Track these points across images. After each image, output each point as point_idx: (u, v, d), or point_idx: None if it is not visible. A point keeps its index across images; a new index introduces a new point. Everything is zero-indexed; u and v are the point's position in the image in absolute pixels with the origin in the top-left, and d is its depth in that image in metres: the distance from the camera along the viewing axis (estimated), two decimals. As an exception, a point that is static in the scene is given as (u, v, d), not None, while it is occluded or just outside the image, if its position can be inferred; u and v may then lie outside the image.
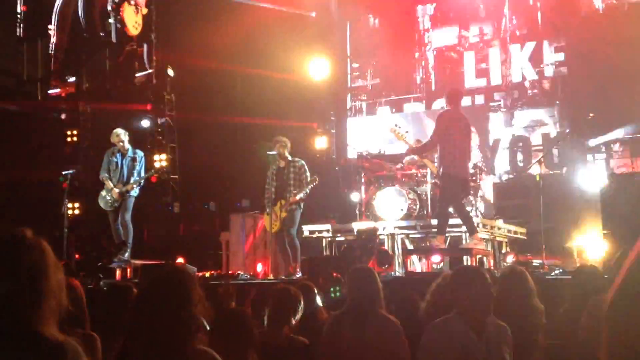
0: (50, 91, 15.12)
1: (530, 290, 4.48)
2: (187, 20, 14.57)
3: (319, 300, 5.26)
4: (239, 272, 9.80)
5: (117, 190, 9.93)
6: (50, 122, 15.05)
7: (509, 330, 3.69)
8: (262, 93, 14.61)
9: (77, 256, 9.33)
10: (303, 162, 9.36)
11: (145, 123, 13.84)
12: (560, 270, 8.05)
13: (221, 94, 14.99)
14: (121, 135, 10.14)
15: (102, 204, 10.04)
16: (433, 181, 10.07)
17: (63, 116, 14.83)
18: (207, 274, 9.34)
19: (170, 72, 14.02)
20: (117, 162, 10.12)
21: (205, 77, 14.63)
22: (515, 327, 3.83)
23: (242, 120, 14.47)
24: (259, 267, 10.98)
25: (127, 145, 10.19)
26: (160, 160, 14.33)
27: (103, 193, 10.05)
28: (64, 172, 10.96)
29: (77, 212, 12.25)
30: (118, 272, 9.76)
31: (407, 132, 10.44)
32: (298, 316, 4.49)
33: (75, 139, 14.05)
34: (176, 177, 13.96)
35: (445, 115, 8.69)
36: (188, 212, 14.24)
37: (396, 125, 10.43)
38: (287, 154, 9.27)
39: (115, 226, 9.98)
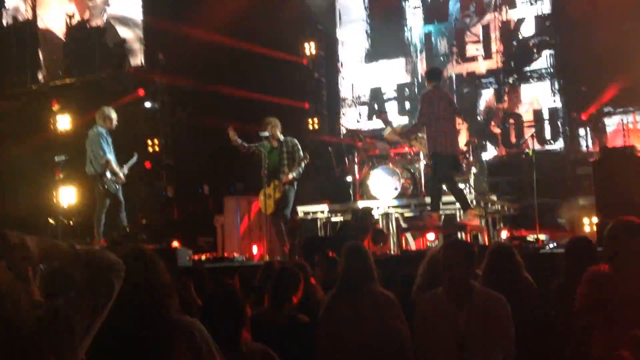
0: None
1: (519, 264, 4.53)
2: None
3: (312, 280, 5.29)
4: (234, 254, 9.82)
5: (121, 175, 9.44)
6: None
7: (500, 302, 3.68)
8: (255, 69, 14.54)
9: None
10: (296, 141, 9.34)
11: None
12: (555, 245, 8.11)
13: (213, 68, 14.85)
14: (112, 114, 9.63)
15: (111, 188, 9.42)
16: (425, 163, 10.10)
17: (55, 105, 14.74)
18: (203, 257, 9.36)
19: (161, 56, 13.94)
20: (110, 144, 9.53)
21: (196, 48, 14.41)
22: (510, 302, 3.88)
23: (232, 92, 14.27)
24: (255, 250, 11.00)
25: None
26: (153, 145, 14.32)
27: (109, 176, 9.31)
28: (56, 159, 10.86)
29: (70, 199, 12.21)
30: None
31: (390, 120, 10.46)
32: (299, 294, 4.52)
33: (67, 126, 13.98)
34: (170, 161, 13.94)
35: (428, 95, 8.69)
36: (182, 196, 14.24)
37: (380, 111, 10.48)
38: (279, 134, 9.24)
39: (120, 210, 9.58)
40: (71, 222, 12.05)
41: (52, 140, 13.97)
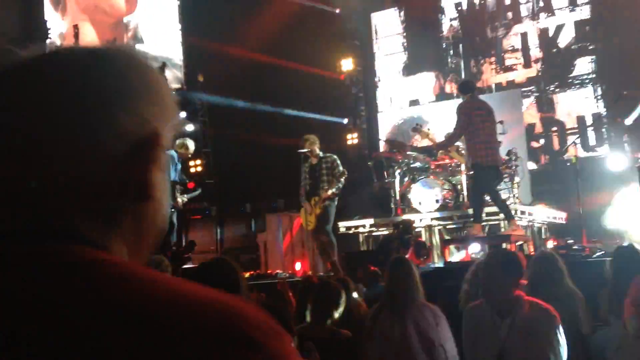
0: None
1: (562, 272, 4.45)
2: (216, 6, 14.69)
3: (355, 294, 5.28)
4: (277, 271, 9.86)
5: (180, 200, 9.65)
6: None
7: (546, 313, 3.57)
8: (292, 86, 14.69)
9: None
10: (335, 156, 9.37)
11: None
12: (602, 252, 7.93)
13: (252, 86, 15.06)
14: (191, 144, 9.94)
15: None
16: (467, 173, 10.01)
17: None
18: (247, 275, 9.42)
19: (201, 78, 14.19)
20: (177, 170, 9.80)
21: (235, 66, 14.63)
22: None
23: (271, 110, 14.44)
24: (298, 266, 11.03)
25: None
26: (196, 165, 14.54)
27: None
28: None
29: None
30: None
31: (429, 129, 10.42)
32: (341, 309, 4.51)
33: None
34: (212, 181, 14.12)
35: (465, 106, 8.64)
36: (225, 215, 14.39)
37: (417, 125, 10.43)
38: (317, 151, 9.29)
39: (171, 232, 9.77)
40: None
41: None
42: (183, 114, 14.73)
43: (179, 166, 9.72)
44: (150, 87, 0.84)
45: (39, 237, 0.75)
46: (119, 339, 0.67)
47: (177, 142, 9.81)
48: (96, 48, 0.85)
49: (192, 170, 14.46)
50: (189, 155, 9.81)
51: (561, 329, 3.51)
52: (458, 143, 9.61)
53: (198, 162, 14.54)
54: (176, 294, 0.72)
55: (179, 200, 9.69)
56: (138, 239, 0.82)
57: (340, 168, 9.23)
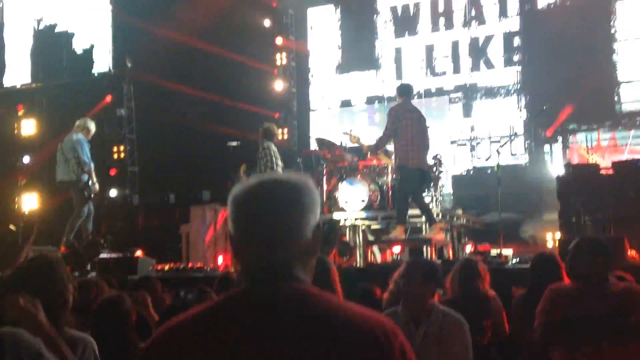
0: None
1: (482, 279, 4.54)
2: None
3: None
4: (198, 264, 9.71)
5: (97, 185, 9.44)
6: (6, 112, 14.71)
7: (457, 323, 3.61)
8: (224, 75, 14.49)
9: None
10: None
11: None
12: (517, 260, 8.17)
13: (182, 72, 14.76)
14: (92, 125, 9.62)
15: (90, 195, 9.31)
16: (393, 176, 10.11)
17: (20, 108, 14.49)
18: (167, 267, 9.23)
19: (128, 62, 13.80)
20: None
21: (165, 50, 14.29)
22: (472, 314, 3.88)
23: (202, 98, 14.20)
24: (220, 260, 10.89)
25: None
26: (119, 152, 14.14)
27: (90, 183, 9.25)
28: (18, 164, 10.67)
29: (32, 204, 11.99)
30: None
31: (358, 135, 10.48)
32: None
33: (32, 130, 13.75)
34: (135, 168, 13.77)
35: (395, 108, 8.71)
36: (147, 205, 14.07)
37: (350, 130, 10.46)
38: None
39: (89, 219, 9.48)
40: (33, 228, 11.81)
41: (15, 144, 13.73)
42: (109, 99, 14.31)
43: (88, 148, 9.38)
44: (316, 200, 1.59)
45: (281, 277, 1.51)
46: (337, 341, 1.43)
47: (77, 123, 9.53)
48: (298, 179, 1.59)
49: (115, 156, 14.06)
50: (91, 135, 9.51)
51: (469, 338, 3.60)
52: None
53: (121, 148, 14.15)
54: (348, 310, 1.50)
55: (97, 185, 9.39)
56: (311, 274, 1.60)
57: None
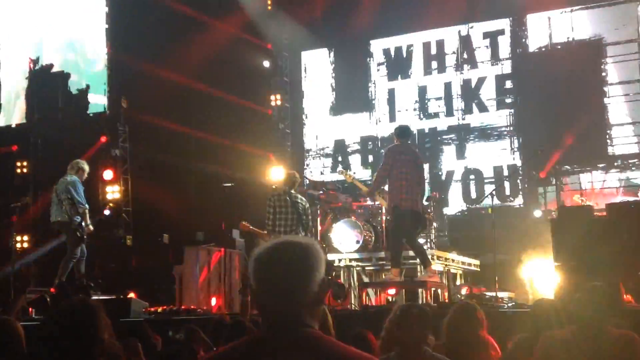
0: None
1: (479, 324, 4.50)
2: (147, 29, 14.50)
3: None
4: (191, 307, 9.62)
5: (91, 227, 9.46)
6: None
7: None
8: (219, 116, 14.58)
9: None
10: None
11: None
12: (513, 303, 8.13)
13: (177, 112, 14.84)
14: (85, 166, 9.70)
15: (83, 236, 9.31)
16: (387, 217, 10.10)
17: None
18: (159, 309, 9.14)
19: (124, 103, 13.89)
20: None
21: (161, 91, 14.38)
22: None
23: (197, 138, 14.26)
24: (213, 301, 10.80)
25: None
26: (113, 192, 14.13)
27: (83, 224, 9.27)
28: (12, 205, 10.63)
29: (25, 245, 11.92)
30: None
31: (354, 172, 10.50)
32: None
33: (25, 170, 13.74)
34: (129, 209, 13.73)
35: (391, 149, 8.75)
36: (141, 245, 13.98)
37: (348, 170, 10.51)
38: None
39: (82, 260, 9.42)
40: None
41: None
42: (104, 139, 14.34)
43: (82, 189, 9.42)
44: (321, 259, 1.91)
45: (293, 323, 1.84)
46: None
47: (71, 165, 9.59)
48: (306, 242, 1.93)
49: (110, 197, 14.04)
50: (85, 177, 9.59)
51: None
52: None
53: (116, 188, 14.14)
54: (347, 350, 1.84)
55: (91, 227, 9.37)
56: (317, 321, 1.90)
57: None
